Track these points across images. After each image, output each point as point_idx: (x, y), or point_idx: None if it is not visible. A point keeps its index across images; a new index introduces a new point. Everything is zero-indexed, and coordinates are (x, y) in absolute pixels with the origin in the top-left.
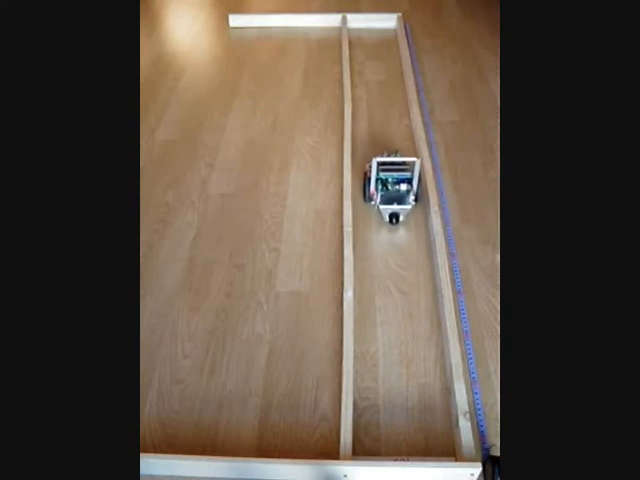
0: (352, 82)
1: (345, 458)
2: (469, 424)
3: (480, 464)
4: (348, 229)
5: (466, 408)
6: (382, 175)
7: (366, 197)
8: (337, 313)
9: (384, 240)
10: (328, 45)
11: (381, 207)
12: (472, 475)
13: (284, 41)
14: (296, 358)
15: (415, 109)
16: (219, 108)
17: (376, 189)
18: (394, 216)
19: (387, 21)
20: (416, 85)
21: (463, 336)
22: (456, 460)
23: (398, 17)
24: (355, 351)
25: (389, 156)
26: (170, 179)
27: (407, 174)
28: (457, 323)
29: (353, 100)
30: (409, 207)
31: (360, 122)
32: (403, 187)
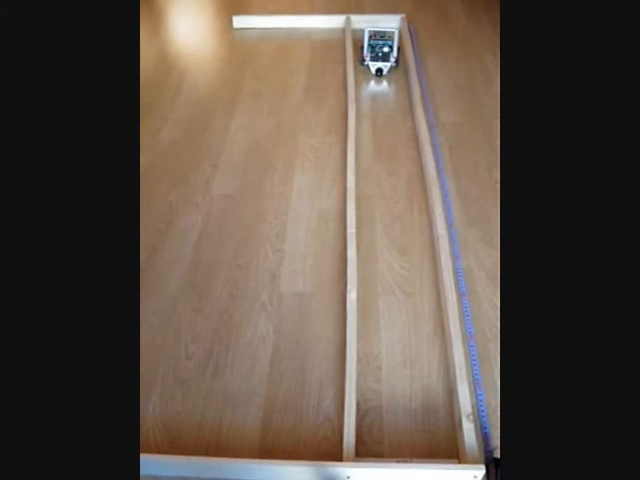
0: (356, 83)
1: (348, 460)
2: (472, 426)
3: (483, 466)
4: (352, 230)
5: (469, 410)
6: (372, 42)
7: (360, 60)
8: (340, 314)
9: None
10: (332, 46)
11: (370, 63)
12: (475, 477)
13: (288, 42)
14: (299, 359)
15: (419, 111)
16: (223, 109)
17: (368, 52)
18: (379, 70)
19: (391, 22)
20: (420, 86)
21: (467, 338)
22: (459, 462)
23: (402, 18)
24: (358, 352)
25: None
26: (174, 180)
27: (389, 41)
28: (461, 325)
29: (357, 101)
30: (389, 63)
31: (364, 123)
32: (385, 49)
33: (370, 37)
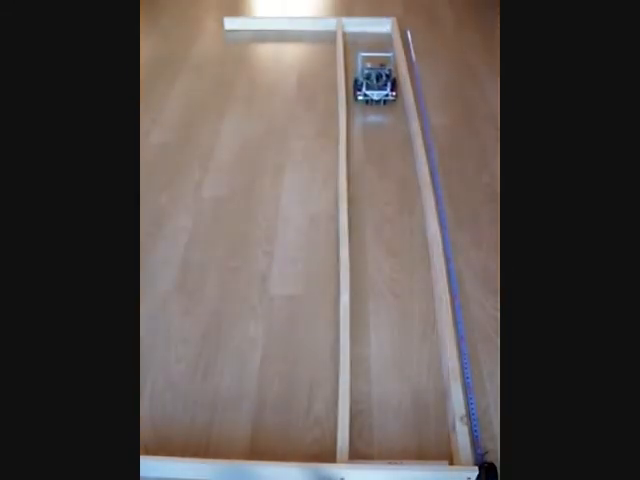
0: (347, 86)
1: (342, 461)
2: (466, 428)
3: (477, 468)
4: (344, 232)
5: (463, 412)
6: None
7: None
8: (330, 316)
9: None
10: (323, 49)
11: (367, 92)
12: (469, 479)
13: (279, 44)
14: (289, 361)
15: (413, 113)
16: (214, 111)
17: (363, 80)
18: (382, 101)
19: (382, 25)
20: (413, 89)
21: (458, 340)
22: (450, 463)
23: (393, 21)
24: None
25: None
26: (164, 182)
27: (385, 70)
28: (454, 327)
29: (347, 103)
30: (383, 92)
31: (355, 125)
32: (383, 77)
33: (364, 65)
